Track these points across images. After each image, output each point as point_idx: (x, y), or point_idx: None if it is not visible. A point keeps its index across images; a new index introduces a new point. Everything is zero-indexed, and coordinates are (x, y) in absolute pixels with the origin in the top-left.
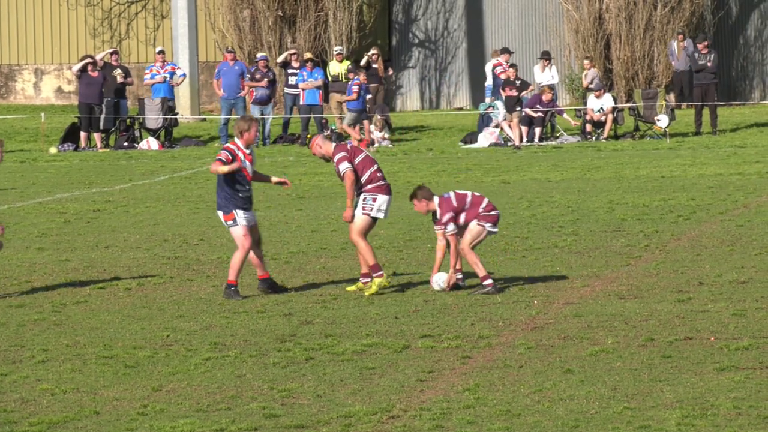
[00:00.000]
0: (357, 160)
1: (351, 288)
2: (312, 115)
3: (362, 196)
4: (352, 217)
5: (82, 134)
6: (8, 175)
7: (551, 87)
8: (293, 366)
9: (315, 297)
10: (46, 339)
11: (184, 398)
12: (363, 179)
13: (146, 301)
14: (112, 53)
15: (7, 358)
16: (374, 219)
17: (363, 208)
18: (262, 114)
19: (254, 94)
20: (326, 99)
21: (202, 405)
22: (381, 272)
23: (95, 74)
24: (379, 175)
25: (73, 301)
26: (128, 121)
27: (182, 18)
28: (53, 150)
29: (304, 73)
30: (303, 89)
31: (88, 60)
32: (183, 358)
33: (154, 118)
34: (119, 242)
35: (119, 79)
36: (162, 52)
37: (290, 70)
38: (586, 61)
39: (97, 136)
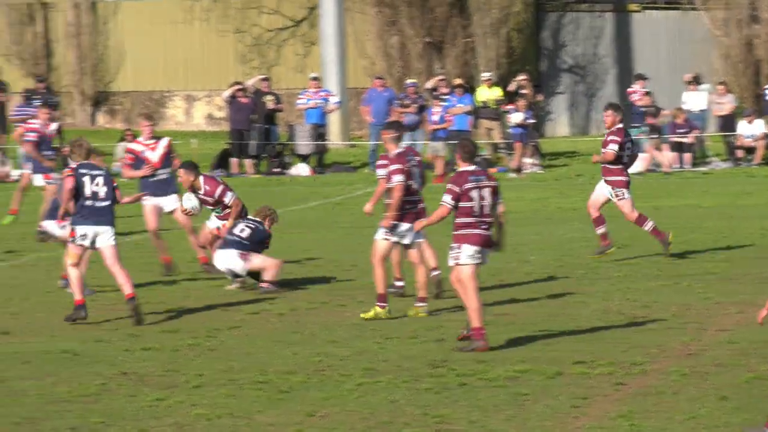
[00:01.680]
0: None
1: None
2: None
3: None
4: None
5: (233, 160)
6: None
7: (683, 109)
8: (446, 392)
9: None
10: (201, 364)
11: (337, 423)
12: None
13: (298, 326)
14: (263, 80)
15: (162, 383)
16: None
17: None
18: (412, 140)
19: (403, 120)
20: (475, 125)
21: (356, 430)
22: (385, 304)
23: (245, 101)
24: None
25: (226, 326)
26: (279, 147)
27: (331, 45)
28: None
29: (453, 99)
30: (452, 115)
31: (238, 86)
32: (336, 383)
33: (305, 144)
34: None
35: (270, 105)
36: (316, 78)
37: (439, 96)
38: (720, 87)
39: (248, 162)
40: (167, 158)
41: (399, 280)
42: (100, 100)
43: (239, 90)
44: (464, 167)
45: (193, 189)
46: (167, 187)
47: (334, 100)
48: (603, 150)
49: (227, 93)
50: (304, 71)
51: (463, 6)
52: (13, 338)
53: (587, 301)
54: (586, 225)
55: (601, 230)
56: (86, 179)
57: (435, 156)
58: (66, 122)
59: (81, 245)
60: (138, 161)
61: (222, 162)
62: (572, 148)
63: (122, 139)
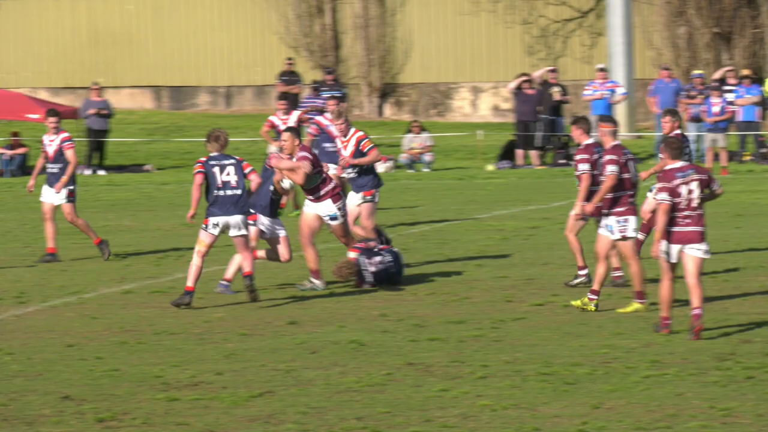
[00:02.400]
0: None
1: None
2: (748, 132)
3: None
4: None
5: (519, 152)
6: (447, 191)
7: None
8: (733, 385)
9: (753, 316)
10: (486, 355)
11: (623, 416)
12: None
13: (585, 318)
14: (550, 71)
15: (447, 374)
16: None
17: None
18: (697, 132)
19: (690, 111)
20: (763, 116)
21: (642, 423)
22: (643, 300)
23: (531, 92)
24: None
25: (511, 317)
26: (564, 138)
27: (618, 35)
28: (490, 167)
29: (741, 90)
30: (740, 106)
31: (524, 78)
32: (622, 375)
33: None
34: (556, 259)
35: (556, 97)
36: (603, 69)
37: (726, 87)
38: None
39: (533, 154)
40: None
41: (617, 269)
42: (387, 91)
43: (525, 81)
44: (671, 165)
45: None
46: None
47: (620, 91)
48: None
49: (513, 84)
50: (591, 62)
51: None
52: (300, 328)
53: None
54: None
55: None
56: (216, 170)
57: (714, 148)
58: (354, 114)
59: (212, 234)
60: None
61: (507, 153)
62: None
63: (408, 131)
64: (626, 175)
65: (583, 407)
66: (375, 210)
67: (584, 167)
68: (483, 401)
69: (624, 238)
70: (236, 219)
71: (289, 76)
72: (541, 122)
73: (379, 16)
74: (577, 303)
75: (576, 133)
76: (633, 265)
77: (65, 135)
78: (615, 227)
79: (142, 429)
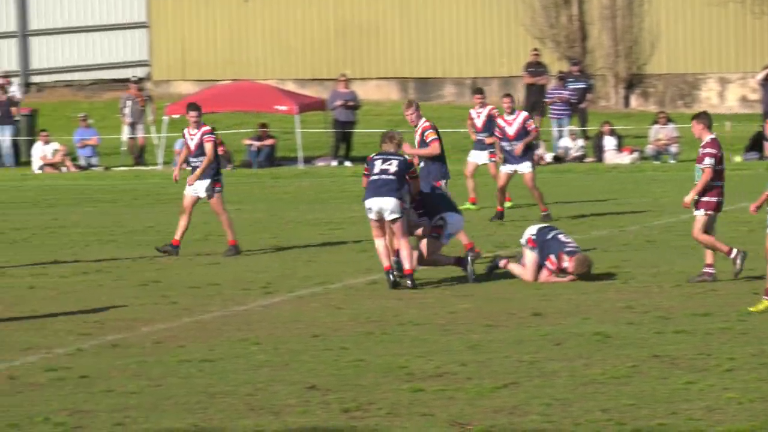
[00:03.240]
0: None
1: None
2: None
3: None
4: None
5: (767, 143)
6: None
7: None
8: None
9: None
10: (732, 348)
11: None
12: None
13: None
14: None
15: (694, 367)
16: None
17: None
18: None
19: None
20: None
21: None
22: None
23: None
24: None
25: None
26: None
27: None
28: (738, 158)
29: None
30: None
31: None
32: None
33: None
34: None
35: None
36: None
37: None
38: None
39: None
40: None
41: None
42: (633, 82)
43: None
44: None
45: None
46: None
47: None
48: None
49: (761, 75)
50: None
51: None
52: (545, 320)
53: None
54: None
55: None
56: (378, 162)
57: None
58: (600, 105)
59: (372, 219)
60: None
61: (755, 145)
62: None
63: (655, 122)
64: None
65: None
66: None
67: (709, 161)
68: (729, 394)
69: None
70: (387, 201)
71: (536, 67)
72: None
73: (627, 6)
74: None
75: (697, 128)
76: None
77: (206, 129)
78: None
79: (386, 419)
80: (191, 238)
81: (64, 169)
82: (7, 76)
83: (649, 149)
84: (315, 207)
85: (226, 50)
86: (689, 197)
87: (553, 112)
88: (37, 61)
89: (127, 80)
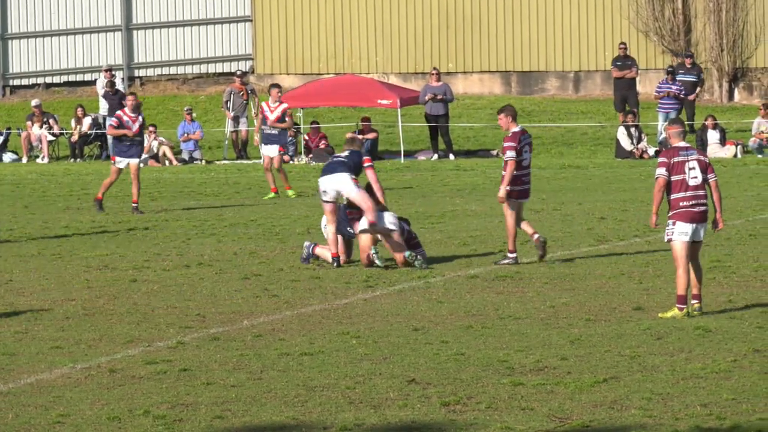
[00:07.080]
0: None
1: None
2: None
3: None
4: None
5: None
6: None
7: None
8: None
9: None
10: None
11: None
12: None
13: None
14: None
15: None
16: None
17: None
18: None
19: None
20: None
21: None
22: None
23: None
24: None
25: None
26: None
27: None
28: None
29: None
30: None
31: None
32: None
33: None
34: None
35: None
36: None
37: None
38: None
39: None
40: None
41: None
42: (737, 76)
43: None
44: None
45: None
46: None
47: None
48: None
49: None
50: None
51: None
52: (645, 314)
53: None
54: None
55: None
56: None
57: None
58: (704, 98)
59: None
60: None
61: None
62: None
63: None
64: None
65: None
66: None
67: None
68: None
69: None
70: None
71: (623, 61)
72: None
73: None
74: None
75: None
76: None
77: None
78: None
79: (486, 413)
80: (293, 231)
81: (166, 162)
82: (110, 69)
83: (752, 142)
84: (416, 201)
85: (329, 44)
86: None
87: (661, 105)
88: (141, 55)
89: (231, 74)
